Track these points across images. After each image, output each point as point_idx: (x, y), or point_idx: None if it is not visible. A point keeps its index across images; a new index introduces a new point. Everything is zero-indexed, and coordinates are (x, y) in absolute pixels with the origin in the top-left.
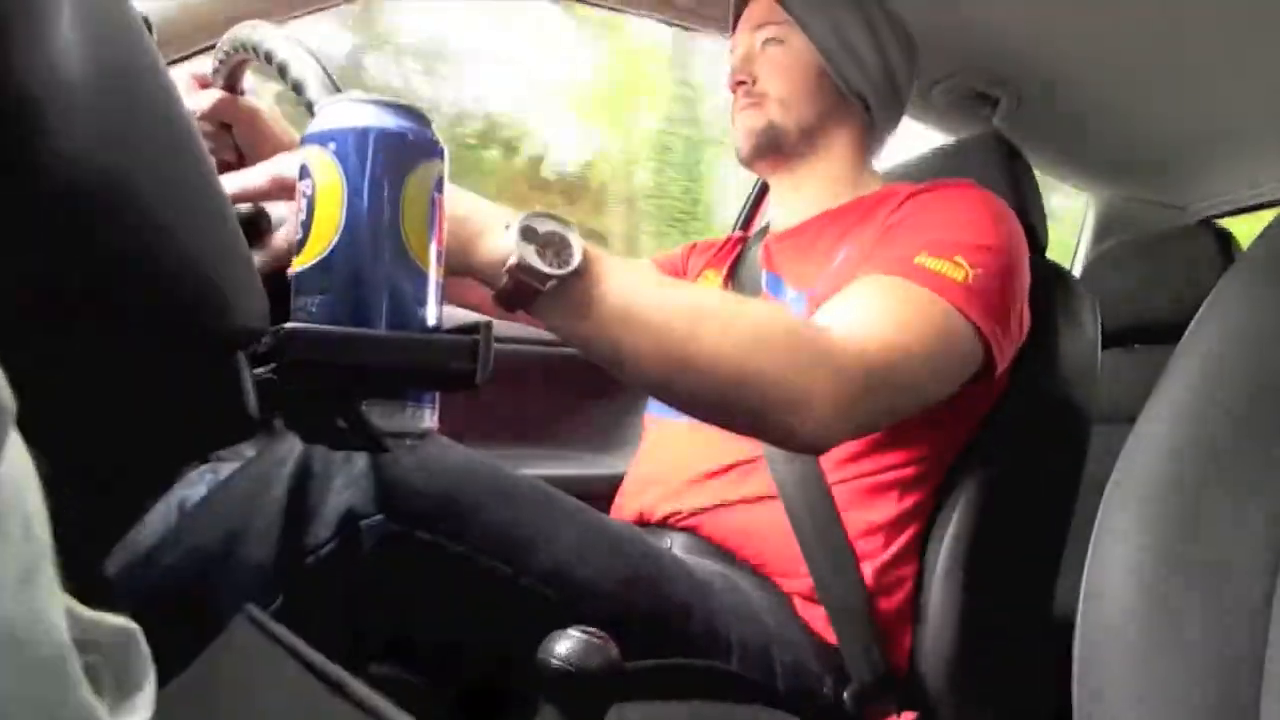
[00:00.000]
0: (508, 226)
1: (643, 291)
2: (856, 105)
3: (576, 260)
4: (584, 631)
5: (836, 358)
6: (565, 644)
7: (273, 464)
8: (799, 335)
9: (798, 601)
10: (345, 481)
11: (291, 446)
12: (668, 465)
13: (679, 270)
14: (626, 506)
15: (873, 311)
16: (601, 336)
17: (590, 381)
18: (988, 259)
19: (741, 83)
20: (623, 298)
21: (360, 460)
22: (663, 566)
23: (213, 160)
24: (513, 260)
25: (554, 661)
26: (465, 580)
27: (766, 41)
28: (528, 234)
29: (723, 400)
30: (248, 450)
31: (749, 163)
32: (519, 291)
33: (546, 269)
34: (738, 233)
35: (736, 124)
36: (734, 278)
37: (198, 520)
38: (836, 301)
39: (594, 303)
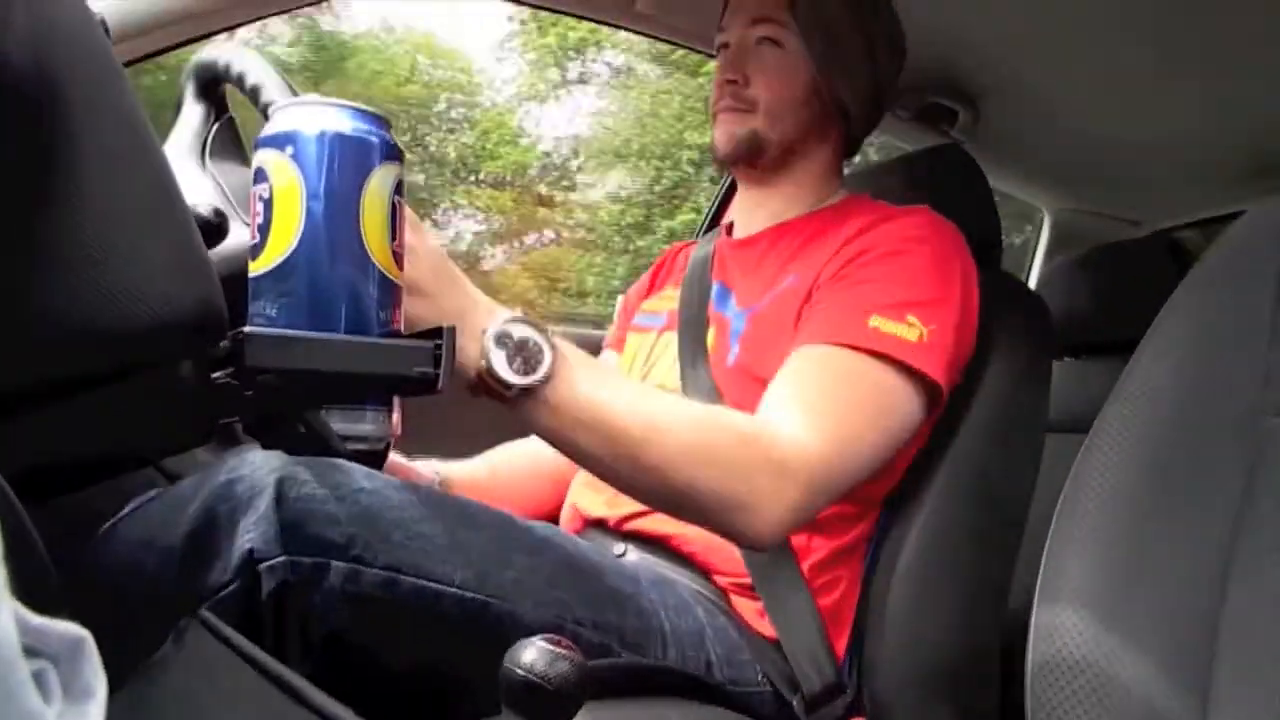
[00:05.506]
0: (484, 331)
1: (603, 397)
2: (838, 119)
3: (543, 371)
4: (548, 640)
5: (783, 465)
6: (531, 654)
7: (175, 503)
8: (746, 445)
9: (733, 596)
10: (251, 521)
11: (202, 482)
12: None
13: (643, 292)
14: (567, 504)
15: (820, 402)
16: (565, 436)
17: None
18: (940, 313)
19: (732, 81)
20: (584, 402)
21: (266, 497)
22: (585, 560)
23: (168, 164)
24: (483, 363)
25: (520, 672)
26: (390, 602)
27: (762, 40)
28: (501, 340)
29: (676, 502)
30: (202, 456)
31: (725, 163)
32: (488, 393)
33: (513, 379)
34: (689, 240)
35: (719, 122)
36: (686, 285)
37: (87, 559)
38: (783, 387)
39: (558, 406)
